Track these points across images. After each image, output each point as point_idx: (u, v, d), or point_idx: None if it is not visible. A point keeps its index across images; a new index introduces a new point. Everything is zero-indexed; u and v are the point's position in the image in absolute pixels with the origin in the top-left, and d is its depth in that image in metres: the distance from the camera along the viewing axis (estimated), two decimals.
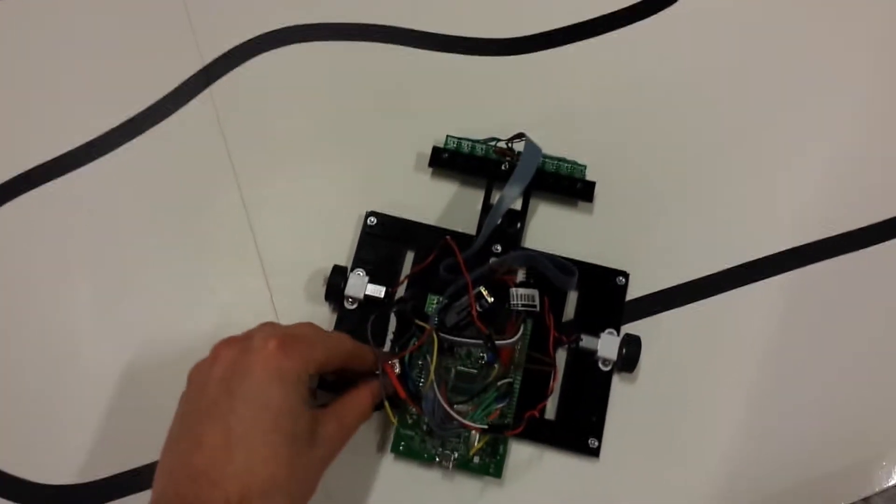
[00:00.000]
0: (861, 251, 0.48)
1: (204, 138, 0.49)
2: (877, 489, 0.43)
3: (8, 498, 0.42)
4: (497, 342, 0.41)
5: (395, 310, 0.44)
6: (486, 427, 0.39)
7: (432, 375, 0.40)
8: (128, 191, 0.48)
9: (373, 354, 0.39)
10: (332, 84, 0.51)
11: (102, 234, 0.47)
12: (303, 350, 0.34)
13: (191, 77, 0.50)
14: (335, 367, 0.37)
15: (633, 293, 0.46)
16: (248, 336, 0.35)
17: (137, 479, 0.42)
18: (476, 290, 0.41)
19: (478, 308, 0.41)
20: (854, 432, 0.44)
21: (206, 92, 0.50)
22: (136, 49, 0.52)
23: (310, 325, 0.37)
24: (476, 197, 0.47)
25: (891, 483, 0.44)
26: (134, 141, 0.49)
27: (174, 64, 0.51)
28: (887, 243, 0.48)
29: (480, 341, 0.41)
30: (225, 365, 0.34)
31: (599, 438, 0.43)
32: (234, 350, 0.34)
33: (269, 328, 0.36)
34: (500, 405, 0.40)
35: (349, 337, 0.39)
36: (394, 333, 0.44)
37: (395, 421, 0.41)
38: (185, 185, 0.48)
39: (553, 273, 0.43)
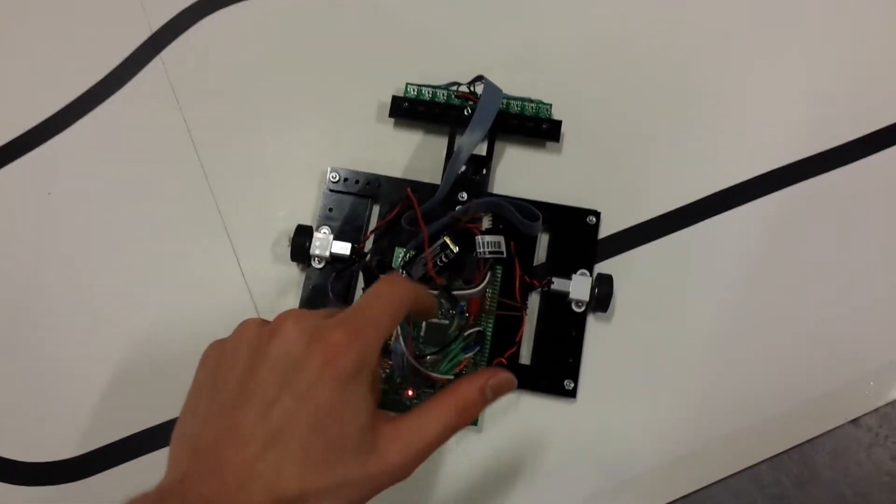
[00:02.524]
0: (830, 173, 0.46)
1: (158, 107, 0.48)
2: (867, 410, 0.43)
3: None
4: (461, 292, 0.40)
5: (358, 266, 0.43)
6: (451, 378, 0.39)
7: (397, 329, 0.39)
8: (85, 168, 0.48)
9: (434, 302, 0.35)
10: (282, 41, 0.50)
11: (63, 215, 0.47)
12: (369, 335, 0.30)
13: (140, 46, 0.49)
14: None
15: (605, 231, 0.45)
16: (317, 319, 0.30)
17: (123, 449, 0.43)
18: (441, 240, 0.41)
19: (443, 258, 0.41)
20: (839, 354, 0.44)
21: (157, 59, 0.49)
22: (81, 22, 0.51)
23: (390, 284, 0.32)
24: (441, 145, 0.46)
25: (881, 403, 0.43)
26: (87, 117, 0.48)
27: (121, 34, 0.50)
28: (855, 164, 0.47)
29: (439, 292, 0.40)
30: (285, 347, 0.29)
31: (576, 380, 0.43)
32: (299, 331, 0.30)
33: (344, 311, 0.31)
34: (468, 355, 0.40)
35: (408, 291, 0.33)
36: (362, 290, 0.43)
37: None
38: (144, 157, 0.48)
39: (517, 219, 0.43)
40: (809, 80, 0.48)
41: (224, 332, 0.33)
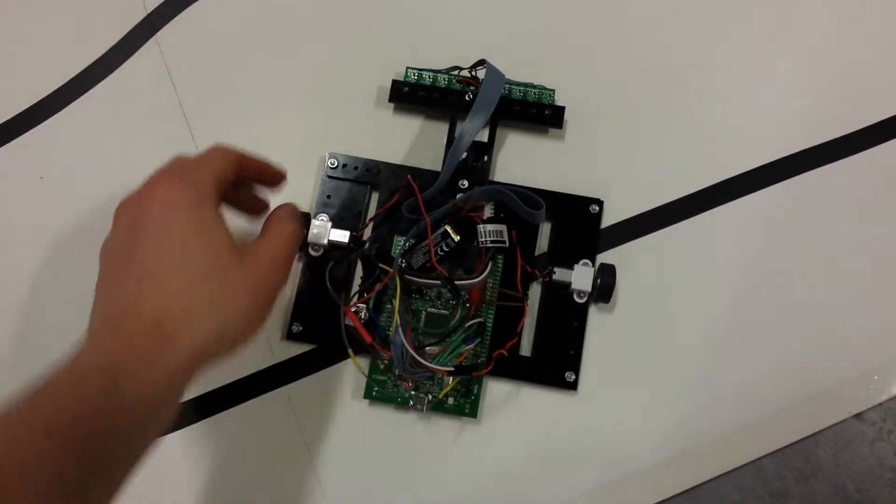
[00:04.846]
0: (838, 162, 0.46)
1: (154, 89, 0.47)
2: (871, 404, 0.42)
3: None
4: (463, 281, 0.39)
5: (358, 254, 0.43)
6: (452, 369, 0.38)
7: (396, 320, 0.39)
8: (78, 152, 0.47)
9: (271, 166, 0.37)
10: (281, 22, 0.49)
11: (55, 200, 0.46)
12: (193, 176, 0.33)
13: (135, 27, 0.48)
14: (232, 178, 0.35)
15: (608, 220, 0.45)
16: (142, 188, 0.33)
17: None
18: (442, 229, 0.40)
19: (444, 247, 0.40)
20: (843, 348, 0.43)
21: (153, 41, 0.48)
22: (75, 1, 0.49)
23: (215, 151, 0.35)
24: (442, 131, 0.45)
25: (885, 398, 0.42)
26: (80, 99, 0.47)
27: (116, 14, 0.49)
28: (862, 153, 0.46)
29: (441, 281, 0.39)
30: (126, 220, 0.33)
31: (577, 371, 0.42)
32: (133, 202, 0.33)
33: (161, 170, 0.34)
34: (469, 346, 0.40)
35: (230, 147, 0.36)
36: (361, 278, 0.43)
37: (365, 373, 0.41)
38: (138, 140, 0.47)
39: (520, 207, 0.42)
40: (816, 69, 0.47)
41: None
